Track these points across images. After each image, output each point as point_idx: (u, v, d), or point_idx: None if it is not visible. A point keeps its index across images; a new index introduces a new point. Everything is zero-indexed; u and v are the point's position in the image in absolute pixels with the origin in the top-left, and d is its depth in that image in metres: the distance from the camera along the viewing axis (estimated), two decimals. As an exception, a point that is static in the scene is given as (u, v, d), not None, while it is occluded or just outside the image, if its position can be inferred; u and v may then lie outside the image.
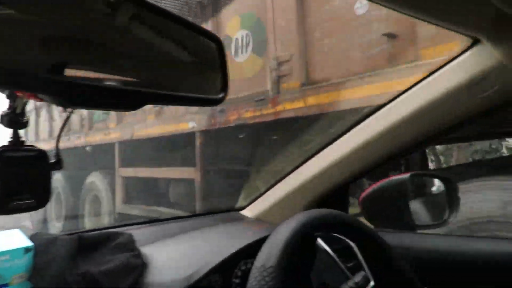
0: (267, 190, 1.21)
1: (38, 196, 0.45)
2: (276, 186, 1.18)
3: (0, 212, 0.43)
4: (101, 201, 5.14)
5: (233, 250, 0.79)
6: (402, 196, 1.11)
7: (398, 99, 0.89)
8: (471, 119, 0.83)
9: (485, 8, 0.62)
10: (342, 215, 0.77)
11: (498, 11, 0.64)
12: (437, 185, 1.18)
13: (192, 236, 0.92)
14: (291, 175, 1.14)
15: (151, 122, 4.33)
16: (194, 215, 1.23)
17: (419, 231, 1.18)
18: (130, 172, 4.87)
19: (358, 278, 0.89)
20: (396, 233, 1.16)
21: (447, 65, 0.81)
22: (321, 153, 1.06)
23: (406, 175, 1.12)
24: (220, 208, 1.31)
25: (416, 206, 1.14)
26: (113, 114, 4.97)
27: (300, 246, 0.71)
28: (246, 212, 1.25)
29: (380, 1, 0.64)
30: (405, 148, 0.94)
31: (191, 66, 0.49)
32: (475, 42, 0.76)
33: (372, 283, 0.90)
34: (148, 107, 3.92)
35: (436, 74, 0.83)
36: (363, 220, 1.21)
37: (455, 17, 0.68)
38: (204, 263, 0.76)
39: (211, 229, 0.99)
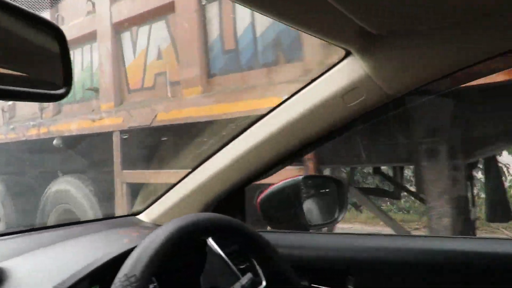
0: (165, 193, 1.17)
1: None
2: (173, 189, 1.15)
3: None
4: (78, 218, 3.64)
5: (109, 257, 0.75)
6: (296, 198, 1.16)
7: (283, 106, 0.93)
8: (348, 125, 0.89)
9: (351, 24, 0.67)
10: (223, 218, 0.77)
11: (362, 28, 0.70)
12: (328, 186, 1.25)
13: (69, 245, 0.85)
14: (187, 178, 1.12)
15: (194, 99, 2.89)
16: (83, 222, 1.14)
17: (311, 230, 1.24)
18: (145, 176, 3.25)
19: (244, 280, 0.90)
20: (291, 233, 1.21)
21: (325, 74, 0.86)
22: (216, 156, 1.06)
23: (299, 177, 1.17)
24: (116, 213, 1.24)
25: (309, 207, 1.19)
26: (107, 90, 3.60)
27: (176, 252, 0.69)
28: (143, 217, 1.20)
29: (260, 10, 0.65)
30: (293, 151, 0.98)
31: (29, 58, 0.45)
32: (348, 54, 0.81)
33: (264, 283, 0.92)
34: (193, 76, 2.86)
35: (315, 82, 0.88)
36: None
37: (327, 30, 0.73)
38: (73, 274, 0.70)
39: (95, 236, 0.92)
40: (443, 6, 0.62)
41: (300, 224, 1.20)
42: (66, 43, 0.44)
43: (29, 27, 0.43)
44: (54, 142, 3.90)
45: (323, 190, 1.25)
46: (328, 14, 0.64)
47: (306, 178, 1.19)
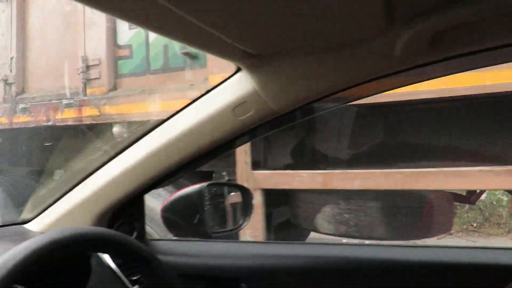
0: (57, 200, 1.09)
1: None
2: (66, 196, 1.07)
3: None
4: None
5: None
6: (200, 205, 1.15)
7: (179, 114, 0.92)
8: (239, 137, 0.90)
9: (233, 45, 0.68)
10: (98, 231, 0.74)
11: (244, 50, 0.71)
12: (233, 193, 1.26)
13: None
14: (82, 184, 1.06)
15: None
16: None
17: (215, 238, 1.24)
18: (290, 180, 2.27)
19: None
20: (193, 241, 1.20)
21: (220, 86, 0.87)
22: (111, 163, 1.01)
23: (203, 184, 1.16)
24: (2, 222, 1.13)
25: (213, 214, 1.19)
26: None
27: (38, 269, 0.64)
28: (32, 225, 1.11)
29: (140, 25, 0.63)
30: (189, 160, 0.97)
31: None
32: (239, 68, 0.82)
33: None
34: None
35: (211, 93, 0.88)
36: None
37: (214, 48, 0.73)
38: None
39: None
40: (311, 32, 0.65)
41: (203, 232, 1.19)
42: None
43: None
44: (114, 130, 2.81)
45: (228, 197, 1.26)
46: (209, 36, 0.64)
47: (211, 185, 1.19)
